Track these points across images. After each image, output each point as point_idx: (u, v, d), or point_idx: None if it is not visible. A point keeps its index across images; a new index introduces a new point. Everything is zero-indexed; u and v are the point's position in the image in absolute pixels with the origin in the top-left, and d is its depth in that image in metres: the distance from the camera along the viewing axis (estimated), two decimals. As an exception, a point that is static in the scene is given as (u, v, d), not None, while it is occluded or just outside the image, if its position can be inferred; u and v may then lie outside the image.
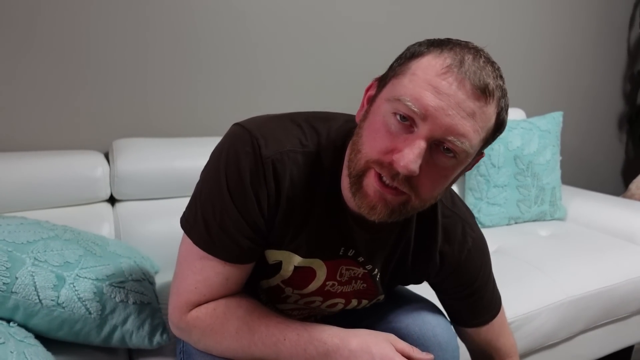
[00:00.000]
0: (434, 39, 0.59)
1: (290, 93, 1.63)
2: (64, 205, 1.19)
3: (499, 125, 0.58)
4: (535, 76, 2.21)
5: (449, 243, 0.75)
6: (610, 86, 2.50)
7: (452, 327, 0.80)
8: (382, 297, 0.80)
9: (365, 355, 0.62)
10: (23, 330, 0.77)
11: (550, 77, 2.26)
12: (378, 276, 0.75)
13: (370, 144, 0.57)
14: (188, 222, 0.66)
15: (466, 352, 1.04)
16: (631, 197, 2.01)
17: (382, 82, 0.60)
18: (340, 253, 0.71)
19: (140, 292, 0.88)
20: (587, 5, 2.27)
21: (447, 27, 1.88)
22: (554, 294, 1.22)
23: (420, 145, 0.53)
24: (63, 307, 0.78)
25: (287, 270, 0.71)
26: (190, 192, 0.68)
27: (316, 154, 0.65)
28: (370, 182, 0.57)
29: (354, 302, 0.78)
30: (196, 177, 0.68)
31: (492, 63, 0.56)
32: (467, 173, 1.72)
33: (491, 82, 0.54)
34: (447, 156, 0.55)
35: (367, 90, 0.63)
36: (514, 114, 1.91)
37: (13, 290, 0.75)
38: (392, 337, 0.66)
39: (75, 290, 0.80)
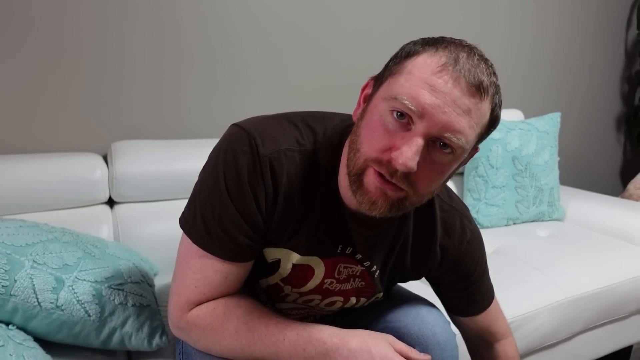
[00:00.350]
0: (429, 38, 0.60)
1: (288, 94, 1.64)
2: (63, 207, 1.19)
3: (493, 121, 0.60)
4: (533, 77, 2.21)
5: (449, 236, 0.76)
6: (607, 87, 2.50)
7: (450, 326, 0.81)
8: (380, 294, 0.81)
9: (364, 355, 0.62)
10: (22, 333, 0.77)
11: (548, 78, 2.27)
12: (377, 273, 0.76)
13: (368, 143, 0.58)
14: (187, 221, 0.66)
15: (466, 352, 1.04)
16: (629, 197, 2.02)
17: (378, 81, 0.61)
18: (338, 251, 0.71)
19: (140, 294, 0.88)
20: (585, 6, 2.28)
21: (446, 30, 1.88)
22: (552, 294, 1.22)
23: (418, 142, 0.54)
24: (62, 310, 0.78)
25: (286, 268, 0.71)
26: (189, 194, 0.69)
27: (313, 152, 0.66)
28: (371, 180, 0.58)
29: (353, 300, 0.79)
30: (195, 179, 0.69)
31: (485, 60, 0.58)
32: (466, 174, 1.72)
33: (485, 79, 0.55)
34: (444, 152, 0.56)
35: (364, 89, 0.64)
36: (512, 115, 1.91)
37: (12, 292, 0.75)
38: (390, 337, 0.66)
39: (75, 292, 0.80)
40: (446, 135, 0.54)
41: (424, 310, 0.79)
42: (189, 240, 0.66)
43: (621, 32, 2.46)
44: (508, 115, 1.89)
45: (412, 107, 0.54)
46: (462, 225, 0.77)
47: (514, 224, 1.71)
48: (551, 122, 1.77)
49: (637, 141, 2.60)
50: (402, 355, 0.64)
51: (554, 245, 1.48)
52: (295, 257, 0.70)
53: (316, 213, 0.67)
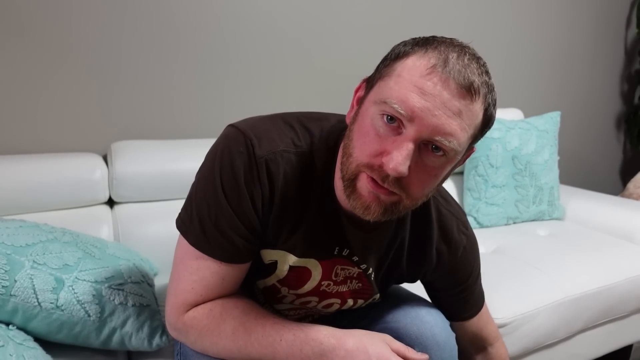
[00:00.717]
0: (419, 38, 0.59)
1: (287, 95, 1.64)
2: (63, 207, 1.19)
3: (487, 121, 0.59)
4: (532, 76, 2.21)
5: (445, 241, 0.76)
6: (607, 86, 2.50)
7: (449, 326, 0.81)
8: (377, 296, 0.80)
9: (361, 355, 0.62)
10: (22, 333, 0.77)
11: (547, 77, 2.26)
12: (373, 275, 0.76)
13: (360, 148, 0.57)
14: (184, 223, 0.66)
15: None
16: (629, 196, 2.02)
17: (369, 83, 0.61)
18: (335, 252, 0.71)
19: (140, 294, 0.88)
20: (584, 5, 2.27)
21: (447, 29, 1.88)
22: (552, 293, 1.22)
23: (408, 147, 0.54)
24: (62, 310, 0.78)
25: (283, 270, 0.71)
26: (189, 194, 0.69)
27: (309, 154, 0.66)
28: (364, 184, 0.58)
29: (350, 302, 0.78)
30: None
31: (477, 59, 0.57)
32: (466, 173, 1.72)
33: (476, 80, 0.54)
34: (436, 155, 0.56)
35: (357, 91, 0.64)
36: (512, 114, 1.91)
37: (12, 293, 0.75)
38: (387, 337, 0.66)
39: (75, 292, 0.80)
40: (437, 138, 0.54)
41: (422, 311, 0.78)
42: (185, 242, 0.66)
43: (621, 30, 2.46)
44: (507, 114, 1.89)
45: (402, 111, 0.54)
46: (458, 230, 0.77)
47: (514, 223, 1.71)
48: (551, 121, 1.77)
49: (637, 140, 2.60)
50: (399, 355, 0.64)
51: (554, 244, 1.48)
52: (292, 259, 0.70)
53: (312, 214, 0.67)
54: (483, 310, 0.85)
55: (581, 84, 2.40)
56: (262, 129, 0.65)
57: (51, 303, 0.78)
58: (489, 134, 1.66)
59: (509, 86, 2.13)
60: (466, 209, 1.69)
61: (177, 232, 0.68)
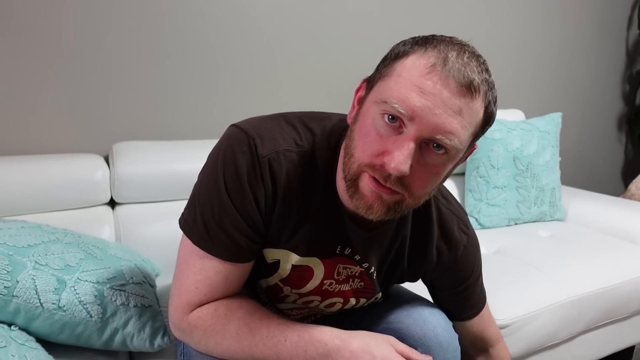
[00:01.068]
0: (418, 37, 0.59)
1: (288, 95, 1.64)
2: (65, 208, 1.19)
3: (488, 118, 0.59)
4: (534, 77, 2.21)
5: (445, 240, 0.76)
6: (609, 87, 2.50)
7: (452, 327, 0.81)
8: (379, 295, 0.81)
9: (366, 356, 0.62)
10: (24, 334, 0.77)
11: (549, 78, 2.26)
12: (375, 274, 0.76)
13: (361, 148, 0.58)
14: (187, 222, 0.66)
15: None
16: (631, 197, 2.02)
17: (370, 83, 0.61)
18: (337, 251, 0.71)
19: (141, 295, 0.88)
20: (586, 6, 2.27)
21: (447, 29, 1.88)
22: (554, 294, 1.22)
23: (410, 146, 0.54)
24: (64, 311, 0.78)
25: (285, 269, 0.71)
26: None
27: (311, 153, 0.66)
28: (366, 184, 0.58)
29: (352, 301, 0.79)
30: (196, 180, 0.68)
31: (477, 57, 0.57)
32: (467, 174, 1.72)
33: (476, 78, 0.55)
34: (438, 153, 0.56)
35: (357, 91, 0.64)
36: (513, 115, 1.91)
37: (14, 293, 0.75)
38: (392, 338, 0.66)
39: (76, 293, 0.80)
40: (438, 137, 0.54)
41: (426, 312, 0.78)
42: (189, 241, 0.66)
43: (622, 31, 2.46)
44: (509, 115, 1.89)
45: (402, 111, 0.54)
46: (459, 229, 0.77)
47: (516, 224, 1.71)
48: (552, 122, 1.77)
49: (638, 141, 2.60)
50: (403, 356, 0.64)
51: (556, 245, 1.47)
52: (294, 258, 0.70)
53: (315, 214, 0.67)
54: (484, 310, 0.85)
55: (582, 85, 2.40)
56: (265, 128, 0.65)
57: (53, 304, 0.78)
58: (490, 134, 1.67)
59: (510, 87, 2.13)
60: (467, 210, 1.69)
61: (179, 233, 0.68)
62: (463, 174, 1.77)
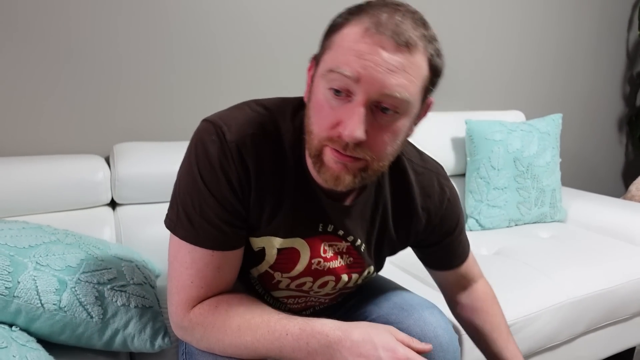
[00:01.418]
0: (352, 7, 0.61)
1: (291, 95, 1.64)
2: (66, 209, 1.20)
3: (435, 71, 0.60)
4: (534, 78, 2.21)
5: (429, 198, 0.78)
6: (609, 88, 2.50)
7: (452, 327, 0.81)
8: (371, 269, 0.82)
9: (367, 345, 0.63)
10: (25, 335, 0.77)
11: (549, 79, 2.27)
12: (363, 247, 0.77)
13: (317, 123, 0.60)
14: (171, 220, 0.68)
15: (468, 353, 1.04)
16: (631, 198, 2.02)
17: (317, 60, 0.63)
18: (320, 229, 0.73)
19: (142, 295, 0.88)
20: (586, 7, 2.28)
21: (448, 29, 1.88)
22: (555, 295, 1.22)
23: (360, 111, 0.56)
24: (65, 311, 0.78)
25: (272, 254, 0.72)
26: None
27: (279, 136, 0.68)
28: (329, 157, 0.60)
29: (345, 278, 0.79)
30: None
31: (412, 13, 0.59)
32: (467, 175, 1.72)
33: (412, 33, 0.56)
34: (389, 114, 0.58)
35: (309, 70, 0.66)
36: (514, 116, 1.91)
37: (15, 294, 0.75)
38: (392, 328, 0.67)
39: (77, 294, 0.80)
40: (386, 93, 0.56)
41: (426, 312, 0.79)
42: (176, 239, 0.67)
43: (622, 33, 2.46)
44: (509, 116, 1.89)
45: (347, 73, 0.55)
46: (439, 184, 0.80)
47: (516, 225, 1.71)
48: (553, 123, 1.77)
49: (638, 142, 2.60)
50: (404, 344, 0.65)
51: (556, 246, 1.47)
52: (277, 242, 0.71)
53: (290, 194, 0.69)
54: (470, 253, 0.88)
55: (583, 86, 2.40)
56: (231, 117, 0.67)
57: (54, 304, 0.78)
58: (490, 136, 1.67)
59: (511, 88, 2.14)
60: (468, 211, 1.69)
61: (179, 234, 0.68)
62: (463, 175, 1.77)
